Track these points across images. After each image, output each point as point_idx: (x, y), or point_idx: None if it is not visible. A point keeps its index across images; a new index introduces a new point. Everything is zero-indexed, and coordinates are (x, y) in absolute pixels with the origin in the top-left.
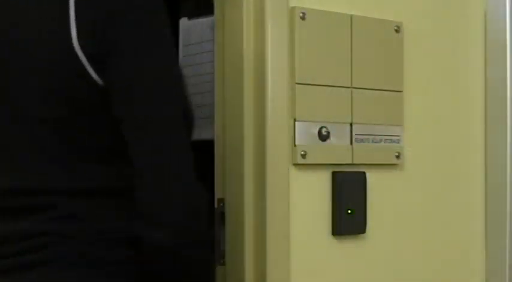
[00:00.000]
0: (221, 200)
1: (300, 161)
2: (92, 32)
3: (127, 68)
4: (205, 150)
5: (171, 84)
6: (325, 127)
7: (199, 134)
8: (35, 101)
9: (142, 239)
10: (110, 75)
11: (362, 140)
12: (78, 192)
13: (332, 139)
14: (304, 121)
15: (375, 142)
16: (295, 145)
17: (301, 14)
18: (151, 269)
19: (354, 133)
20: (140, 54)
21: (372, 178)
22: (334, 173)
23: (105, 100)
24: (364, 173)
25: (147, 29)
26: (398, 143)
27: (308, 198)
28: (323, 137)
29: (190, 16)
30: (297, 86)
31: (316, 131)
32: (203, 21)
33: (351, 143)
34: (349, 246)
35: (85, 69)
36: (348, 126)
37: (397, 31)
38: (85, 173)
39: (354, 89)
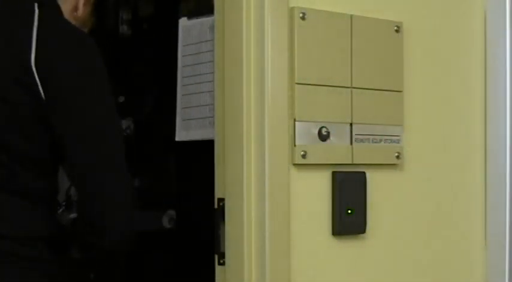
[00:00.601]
0: (221, 200)
1: (300, 161)
2: (46, 58)
3: (69, 110)
4: (205, 150)
5: (110, 122)
6: (325, 127)
7: (199, 134)
8: None
9: (88, 243)
10: (55, 100)
11: (362, 140)
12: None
13: (332, 139)
14: (304, 121)
15: (375, 142)
16: (295, 145)
17: (301, 14)
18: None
19: (354, 133)
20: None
21: (372, 178)
22: (334, 173)
23: (44, 112)
24: (364, 173)
25: (86, 73)
26: (398, 143)
27: (308, 198)
28: (323, 137)
29: (190, 16)
30: (296, 86)
31: (316, 131)
32: (203, 21)
33: (351, 143)
34: (349, 246)
35: (36, 84)
36: (348, 126)
37: (397, 31)
38: (12, 175)
39: (354, 89)
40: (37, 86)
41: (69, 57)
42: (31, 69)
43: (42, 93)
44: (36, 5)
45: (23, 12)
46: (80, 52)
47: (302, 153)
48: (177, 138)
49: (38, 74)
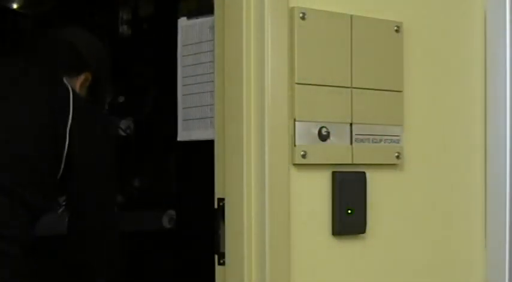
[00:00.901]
0: (221, 200)
1: (300, 161)
2: (76, 123)
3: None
4: (205, 150)
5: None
6: (325, 127)
7: (200, 134)
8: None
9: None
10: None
11: (362, 140)
12: None
13: (332, 139)
14: (304, 121)
15: (375, 142)
16: (295, 145)
17: (301, 14)
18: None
19: (354, 133)
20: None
21: (372, 178)
22: (334, 173)
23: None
24: (364, 173)
25: (100, 133)
26: (398, 143)
27: (308, 198)
28: (323, 137)
29: (190, 16)
30: (296, 86)
31: (316, 131)
32: (202, 21)
33: (351, 143)
34: (349, 246)
35: (65, 138)
36: (348, 126)
37: (397, 31)
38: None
39: (354, 89)
40: (65, 142)
41: (92, 122)
42: (66, 132)
43: (66, 147)
44: (65, 80)
45: (61, 88)
46: (95, 116)
47: (302, 153)
48: (179, 138)
49: (69, 136)
